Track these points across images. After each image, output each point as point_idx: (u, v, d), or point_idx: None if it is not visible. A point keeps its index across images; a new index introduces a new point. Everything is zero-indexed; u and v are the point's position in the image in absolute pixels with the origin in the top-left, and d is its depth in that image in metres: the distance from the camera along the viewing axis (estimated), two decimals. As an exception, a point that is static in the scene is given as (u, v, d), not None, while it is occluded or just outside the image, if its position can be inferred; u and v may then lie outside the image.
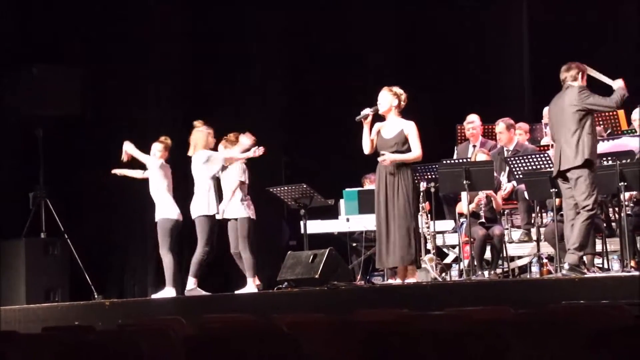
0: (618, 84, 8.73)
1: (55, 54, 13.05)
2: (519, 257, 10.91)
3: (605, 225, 9.84)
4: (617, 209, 9.60)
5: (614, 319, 5.14)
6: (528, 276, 10.48)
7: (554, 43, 12.81)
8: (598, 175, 8.72)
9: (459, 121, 11.91)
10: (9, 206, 12.61)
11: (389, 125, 9.37)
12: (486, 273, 10.01)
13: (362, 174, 11.88)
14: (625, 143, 9.80)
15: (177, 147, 10.67)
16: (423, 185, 10.62)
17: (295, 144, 13.99)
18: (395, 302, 8.25)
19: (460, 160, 10.73)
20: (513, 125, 11.17)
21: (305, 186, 10.80)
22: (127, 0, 13.45)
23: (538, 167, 9.76)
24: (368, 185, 11.50)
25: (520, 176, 9.97)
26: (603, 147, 9.59)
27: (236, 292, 10.43)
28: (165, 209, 10.44)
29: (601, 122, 10.87)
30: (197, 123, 10.42)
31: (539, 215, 10.39)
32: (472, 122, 11.57)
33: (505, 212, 10.94)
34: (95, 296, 11.90)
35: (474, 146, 11.41)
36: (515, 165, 9.99)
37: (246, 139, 10.30)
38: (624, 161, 9.09)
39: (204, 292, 10.22)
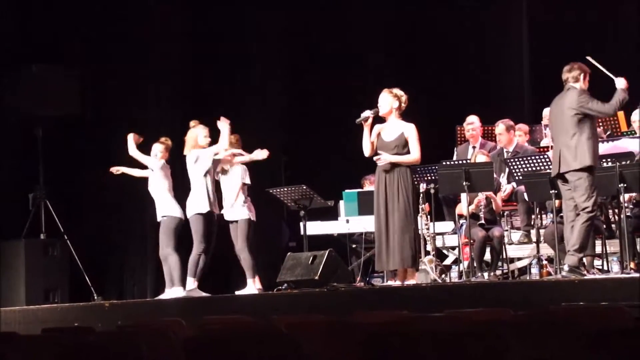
0: (620, 85, 8.70)
1: (55, 53, 13.05)
2: (519, 259, 10.90)
3: (604, 226, 9.83)
4: (616, 210, 9.59)
5: (614, 320, 5.15)
6: (528, 278, 10.47)
7: (554, 43, 12.81)
8: (598, 177, 8.71)
9: (459, 122, 11.91)
10: (9, 206, 12.60)
11: (390, 127, 9.35)
12: (486, 274, 10.01)
13: (362, 175, 11.87)
14: (625, 144, 9.80)
15: (178, 147, 10.66)
16: (423, 187, 10.61)
17: (295, 144, 13.98)
18: (395, 303, 8.27)
19: (460, 162, 10.72)
20: (513, 126, 11.17)
21: (305, 187, 10.81)
22: (127, 0, 13.45)
23: (538, 168, 9.76)
24: (368, 187, 11.49)
25: (520, 177, 9.96)
26: (603, 148, 9.58)
27: (236, 292, 10.43)
28: (169, 208, 10.45)
29: (601, 124, 10.86)
30: (192, 123, 10.44)
31: (539, 216, 10.39)
32: (472, 123, 11.56)
33: (505, 214, 10.93)
34: (95, 297, 11.90)
35: (474, 147, 11.40)
36: (515, 167, 9.99)
37: (224, 124, 10.23)
38: (623, 163, 9.08)
39: (203, 293, 10.22)
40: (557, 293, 8.11)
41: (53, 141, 12.76)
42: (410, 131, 9.27)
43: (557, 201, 9.21)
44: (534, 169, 9.79)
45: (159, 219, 10.53)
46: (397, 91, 9.37)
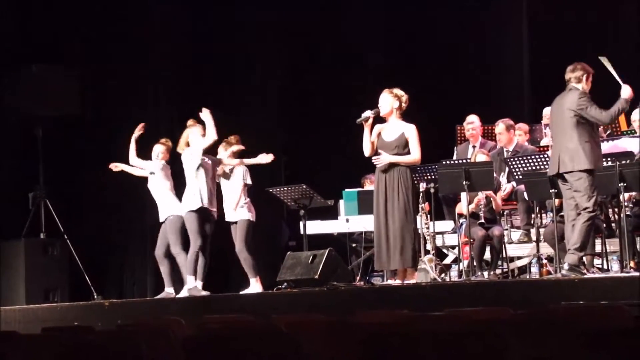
0: (625, 94, 8.58)
1: (55, 53, 13.05)
2: (519, 258, 10.90)
3: (604, 225, 9.83)
4: (616, 209, 9.59)
5: (614, 319, 5.15)
6: (527, 277, 10.48)
7: (554, 43, 12.80)
8: (598, 176, 8.69)
9: (459, 122, 11.91)
10: (9, 206, 12.61)
11: (390, 127, 9.35)
12: (486, 274, 10.01)
13: (361, 175, 11.88)
14: (625, 144, 9.80)
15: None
16: (423, 186, 10.59)
17: (295, 144, 13.98)
18: (394, 302, 8.26)
19: (460, 161, 10.72)
20: (513, 126, 11.17)
21: (304, 187, 10.81)
22: (127, 0, 13.45)
23: (538, 167, 9.75)
24: (368, 186, 11.49)
25: (520, 177, 9.96)
26: (603, 148, 9.56)
27: (241, 292, 10.44)
28: (173, 207, 10.47)
29: (601, 123, 10.87)
30: (189, 122, 10.45)
31: (539, 215, 10.39)
32: (472, 123, 11.57)
33: (505, 213, 10.93)
34: (95, 296, 11.90)
35: (474, 147, 11.41)
36: (515, 166, 9.99)
37: (206, 114, 10.21)
38: (623, 162, 9.07)
39: (204, 292, 10.22)
40: (557, 292, 8.10)
41: (53, 141, 12.76)
42: (410, 132, 9.27)
43: (557, 200, 9.21)
44: (533, 168, 9.78)
45: (162, 219, 10.54)
46: (398, 91, 9.37)
